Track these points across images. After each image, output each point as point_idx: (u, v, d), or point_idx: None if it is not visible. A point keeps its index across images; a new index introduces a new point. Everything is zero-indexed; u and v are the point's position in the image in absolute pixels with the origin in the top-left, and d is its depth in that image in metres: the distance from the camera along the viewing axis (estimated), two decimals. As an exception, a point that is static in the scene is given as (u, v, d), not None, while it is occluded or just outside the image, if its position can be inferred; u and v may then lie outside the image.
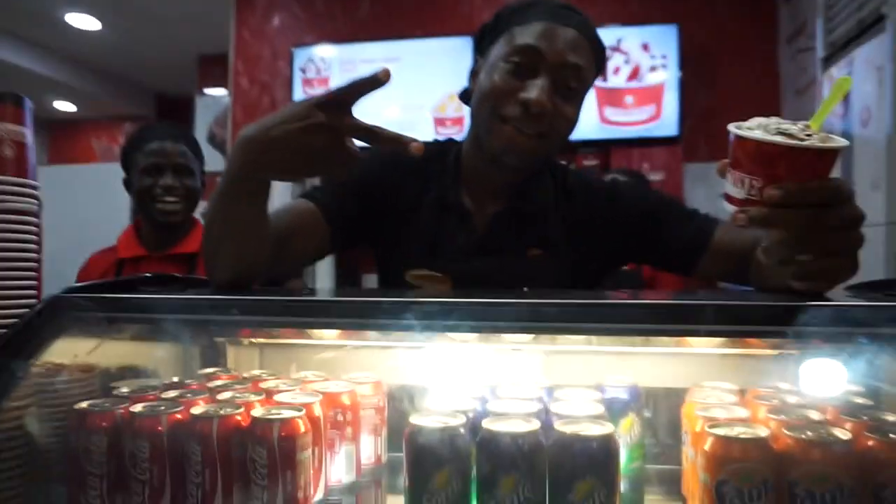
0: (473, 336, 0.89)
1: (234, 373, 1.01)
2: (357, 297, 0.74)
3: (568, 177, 1.14)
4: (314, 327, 0.92)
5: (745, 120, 0.65)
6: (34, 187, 0.78)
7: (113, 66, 6.03)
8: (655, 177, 3.49)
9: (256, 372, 1.01)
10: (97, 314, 0.78)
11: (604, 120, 3.66)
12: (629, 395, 0.86)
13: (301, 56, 4.06)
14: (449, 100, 3.80)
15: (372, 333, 1.01)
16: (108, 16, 4.86)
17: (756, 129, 0.61)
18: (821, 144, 0.57)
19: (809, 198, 0.58)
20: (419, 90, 3.70)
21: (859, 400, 0.78)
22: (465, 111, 3.52)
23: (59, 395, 0.87)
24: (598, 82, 3.62)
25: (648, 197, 1.13)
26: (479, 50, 1.09)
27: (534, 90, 0.95)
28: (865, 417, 0.69)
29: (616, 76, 3.64)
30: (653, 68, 3.60)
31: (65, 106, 6.62)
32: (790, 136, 0.58)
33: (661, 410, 0.99)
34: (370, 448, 0.91)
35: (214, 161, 5.06)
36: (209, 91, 5.42)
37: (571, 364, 0.98)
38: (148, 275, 0.90)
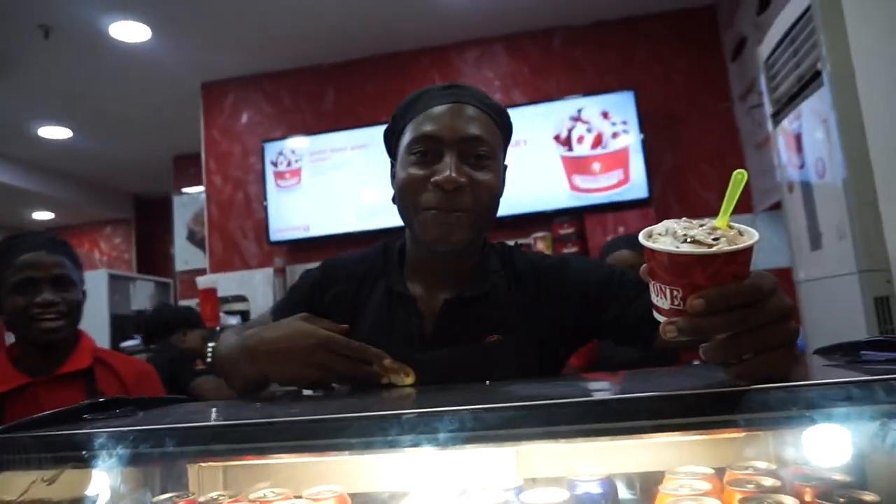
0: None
1: (192, 496, 0.96)
2: (318, 416, 0.71)
3: (516, 258, 1.13)
4: (275, 451, 0.87)
5: (708, 179, 0.63)
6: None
7: (88, 172, 6.09)
8: (631, 239, 3.52)
9: (214, 494, 0.95)
10: (38, 455, 0.74)
11: (574, 188, 3.72)
12: (602, 487, 0.82)
13: (271, 150, 4.13)
14: (420, 180, 3.85)
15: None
16: (80, 125, 4.94)
17: (665, 235, 0.60)
18: (729, 248, 0.56)
19: (732, 302, 0.57)
20: (384, 176, 3.73)
21: (838, 477, 0.74)
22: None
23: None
24: (565, 152, 3.71)
25: (600, 270, 1.09)
26: (390, 153, 1.13)
27: (443, 170, 0.97)
28: (843, 500, 0.65)
29: (580, 145, 3.72)
30: (615, 134, 3.69)
31: (43, 215, 6.64)
32: (698, 242, 0.57)
33: (642, 497, 0.95)
34: (336, 569, 0.85)
35: (195, 258, 5.09)
36: (186, 189, 5.48)
37: (543, 457, 0.94)
38: (100, 399, 0.86)
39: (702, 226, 0.60)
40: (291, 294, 1.18)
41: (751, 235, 0.59)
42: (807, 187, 2.10)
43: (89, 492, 0.93)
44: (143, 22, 3.56)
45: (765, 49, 2.24)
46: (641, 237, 0.61)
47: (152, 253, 6.76)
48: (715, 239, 0.57)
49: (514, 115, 3.97)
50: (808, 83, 1.95)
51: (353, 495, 0.92)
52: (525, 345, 1.06)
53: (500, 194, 1.05)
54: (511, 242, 1.21)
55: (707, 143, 3.77)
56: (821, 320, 2.06)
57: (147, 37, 3.69)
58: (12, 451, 0.73)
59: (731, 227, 0.60)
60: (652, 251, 0.59)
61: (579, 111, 3.74)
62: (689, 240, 0.58)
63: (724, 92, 3.78)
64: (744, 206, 3.65)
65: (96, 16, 3.45)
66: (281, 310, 1.13)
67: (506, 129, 1.09)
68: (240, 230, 4.24)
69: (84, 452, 0.72)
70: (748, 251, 0.57)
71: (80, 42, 3.67)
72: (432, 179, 0.98)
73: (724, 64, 3.80)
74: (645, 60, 3.89)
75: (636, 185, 3.65)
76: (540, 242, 3.61)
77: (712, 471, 0.83)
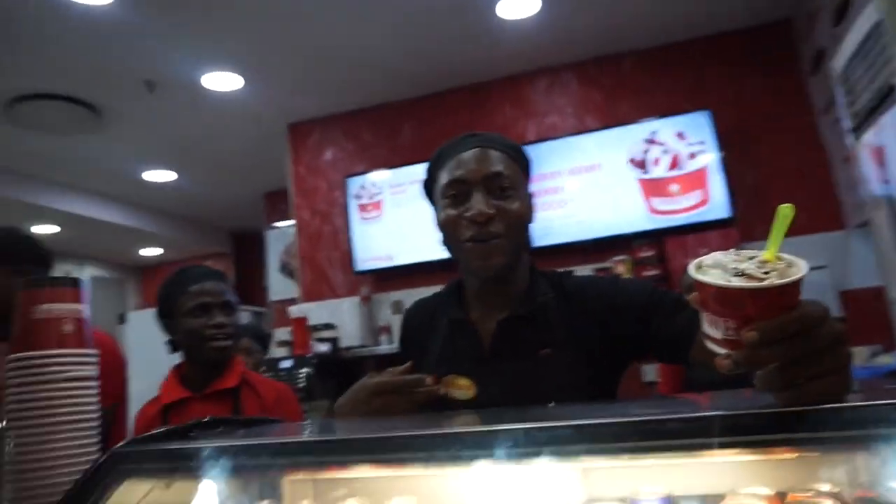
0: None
1: (285, 507, 1.06)
2: (403, 432, 0.79)
3: (565, 281, 1.24)
4: (353, 464, 0.96)
5: (794, 195, 0.63)
6: (91, 356, 0.88)
7: (190, 211, 6.56)
8: (713, 260, 3.44)
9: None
10: (154, 465, 0.86)
11: (652, 210, 3.69)
12: (663, 505, 0.85)
13: (354, 184, 4.33)
14: (496, 208, 3.92)
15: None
16: (181, 168, 5.36)
17: (714, 267, 0.61)
18: (780, 281, 0.57)
19: (785, 333, 0.58)
20: (467, 202, 3.84)
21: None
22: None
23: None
24: (641, 175, 3.70)
25: (644, 287, 1.18)
26: (430, 200, 1.29)
27: (473, 207, 1.13)
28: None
29: (657, 167, 3.69)
30: (692, 154, 3.64)
31: (151, 252, 7.17)
32: (749, 276, 0.58)
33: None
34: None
35: (287, 289, 5.36)
36: (277, 224, 5.80)
37: (608, 477, 0.98)
38: (205, 419, 0.98)
39: (751, 258, 0.61)
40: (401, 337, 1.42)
41: (800, 268, 0.59)
42: (892, 203, 2.02)
43: (196, 499, 1.04)
44: (235, 72, 3.86)
45: (838, 63, 2.19)
46: (691, 269, 0.62)
47: (248, 284, 7.15)
48: (766, 272, 0.58)
49: (588, 140, 4.03)
50: (885, 96, 1.90)
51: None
52: (575, 360, 1.15)
53: (530, 219, 1.20)
54: (588, 267, 1.34)
55: (790, 158, 3.65)
56: (915, 341, 1.96)
57: (239, 85, 4.00)
58: (132, 462, 0.85)
59: (780, 259, 0.61)
60: (702, 284, 0.60)
61: (653, 133, 3.72)
62: (740, 273, 0.59)
63: (805, 107, 3.66)
64: (834, 223, 3.50)
65: (193, 69, 3.77)
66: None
67: (525, 164, 1.24)
68: (327, 261, 4.45)
69: (189, 464, 0.84)
70: (798, 283, 0.58)
71: (180, 93, 4.02)
72: (465, 215, 1.14)
73: (803, 77, 3.69)
74: (718, 79, 3.82)
75: (717, 205, 3.58)
76: (620, 266, 3.60)
77: (773, 492, 0.84)
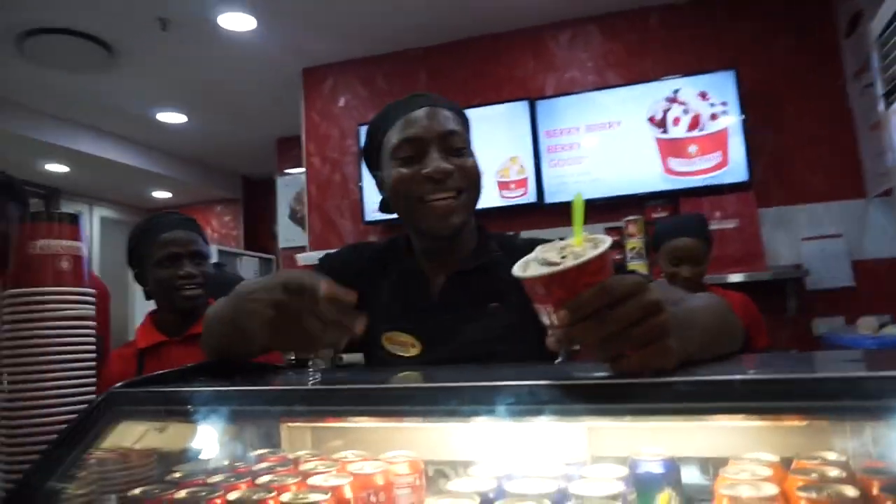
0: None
1: (283, 453, 1.06)
2: (397, 385, 0.78)
3: (513, 241, 1.28)
4: (355, 415, 0.96)
5: (815, 161, 0.63)
6: (89, 294, 0.87)
7: (201, 154, 6.52)
8: (729, 224, 3.39)
9: (302, 452, 1.05)
10: (151, 408, 0.85)
11: (668, 171, 3.61)
12: (665, 468, 0.84)
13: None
14: (511, 163, 3.87)
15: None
16: (193, 110, 5.30)
17: (533, 262, 0.66)
18: (573, 262, 0.61)
19: (588, 307, 0.61)
20: (480, 156, 3.78)
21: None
22: (529, 173, 3.61)
23: (120, 481, 0.93)
24: (659, 134, 3.61)
25: None
26: (371, 166, 1.29)
27: (431, 163, 1.13)
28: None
29: (676, 126, 3.61)
30: (713, 116, 3.54)
31: (162, 194, 7.17)
32: (551, 263, 0.63)
33: (708, 481, 0.95)
34: (408, 526, 0.92)
35: (297, 236, 5.36)
36: (288, 170, 5.76)
37: (614, 437, 0.97)
38: (203, 363, 0.97)
39: (562, 247, 0.66)
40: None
41: (598, 248, 0.63)
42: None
43: (192, 443, 1.05)
44: (249, 13, 3.76)
45: (877, 25, 2.09)
46: (515, 269, 0.66)
47: (258, 230, 7.16)
48: (563, 257, 0.63)
49: (608, 96, 3.93)
50: (923, 61, 1.81)
51: (427, 461, 0.99)
52: (523, 316, 1.12)
53: (481, 176, 1.20)
54: (599, 226, 1.34)
55: (815, 123, 3.54)
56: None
57: (253, 26, 3.90)
58: (129, 403, 0.85)
59: (588, 240, 0.65)
60: (519, 279, 0.65)
61: (675, 92, 3.62)
62: (546, 263, 0.64)
63: (835, 70, 3.54)
64: (854, 191, 3.42)
65: (208, 8, 3.68)
66: None
67: (466, 123, 1.25)
68: (337, 210, 4.43)
69: (187, 407, 0.83)
70: (597, 261, 0.62)
71: (194, 33, 3.94)
72: (423, 172, 1.13)
73: (836, 40, 3.55)
74: (747, 38, 3.69)
75: (735, 168, 3.50)
76: (631, 226, 3.55)
77: (777, 458, 0.83)
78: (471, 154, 1.20)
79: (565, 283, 0.62)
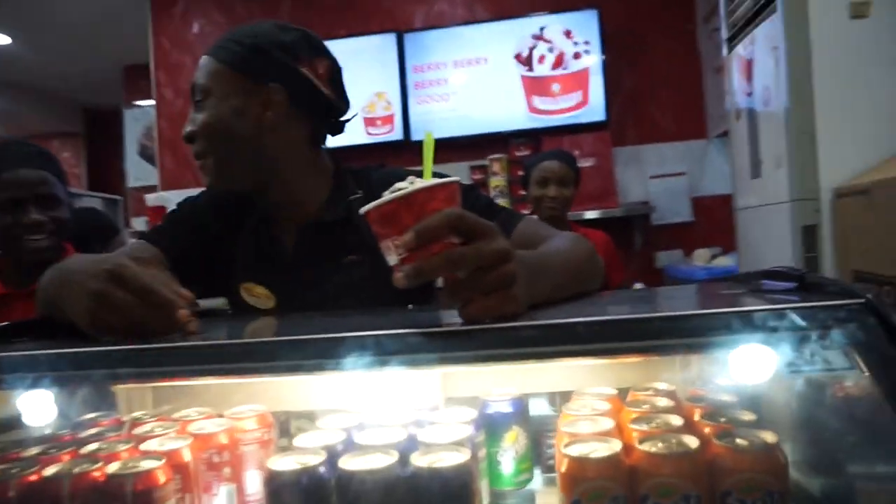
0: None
1: (117, 416, 0.98)
2: (236, 341, 0.72)
3: (373, 178, 1.18)
4: (200, 375, 0.89)
5: (665, 102, 0.63)
6: None
7: (31, 82, 5.79)
8: (586, 163, 3.52)
9: (138, 414, 0.97)
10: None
11: (532, 109, 3.68)
12: (513, 407, 0.85)
13: (223, 63, 3.95)
14: (377, 98, 3.76)
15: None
16: (20, 31, 4.65)
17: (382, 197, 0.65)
18: (421, 184, 0.61)
19: (436, 230, 0.59)
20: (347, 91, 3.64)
21: (728, 398, 0.79)
22: (396, 109, 3.52)
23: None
24: (525, 72, 3.64)
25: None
26: None
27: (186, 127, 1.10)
28: (723, 420, 0.70)
29: (541, 65, 3.65)
30: (576, 55, 3.62)
31: (-14, 126, 6.34)
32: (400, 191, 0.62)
33: (555, 414, 1.00)
34: (258, 483, 0.89)
35: (149, 175, 4.95)
36: (137, 102, 5.26)
37: (467, 379, 0.98)
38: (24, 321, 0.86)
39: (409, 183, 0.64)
40: (171, 221, 1.22)
41: (444, 180, 0.63)
42: (752, 115, 2.11)
43: (11, 409, 0.94)
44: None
45: (723, -31, 2.19)
46: (363, 209, 0.63)
47: (104, 169, 6.55)
48: (412, 184, 0.62)
49: (475, 31, 3.86)
50: (762, 7, 1.92)
51: (276, 413, 0.95)
52: (384, 264, 1.10)
53: (228, 125, 1.07)
54: (464, 164, 1.28)
55: (668, 66, 3.72)
56: (755, 247, 2.13)
57: (83, -66, 3.44)
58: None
59: (437, 178, 0.64)
60: (367, 213, 0.63)
61: (542, 29, 3.64)
62: (393, 192, 0.61)
63: (688, 13, 3.71)
64: (697, 132, 3.67)
65: None
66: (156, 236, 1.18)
67: (241, 61, 1.09)
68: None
69: (3, 375, 0.73)
70: (445, 189, 0.61)
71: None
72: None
73: (692, -17, 3.72)
74: (610, -24, 3.77)
75: (594, 107, 3.62)
76: (496, 164, 3.60)
77: (615, 392, 0.87)
78: (211, 106, 1.08)
79: (412, 210, 0.60)
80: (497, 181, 3.57)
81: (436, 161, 0.67)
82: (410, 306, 1.00)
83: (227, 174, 1.10)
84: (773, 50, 1.89)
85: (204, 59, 1.11)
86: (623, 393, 0.88)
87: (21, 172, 1.51)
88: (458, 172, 3.64)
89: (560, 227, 2.46)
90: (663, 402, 0.80)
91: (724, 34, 2.30)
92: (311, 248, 1.14)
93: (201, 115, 1.08)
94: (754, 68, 2.07)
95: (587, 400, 0.84)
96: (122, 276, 0.71)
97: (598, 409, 0.79)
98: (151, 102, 4.30)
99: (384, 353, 0.64)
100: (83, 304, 0.72)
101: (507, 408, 0.85)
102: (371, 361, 0.65)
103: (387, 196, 0.61)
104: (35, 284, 1.56)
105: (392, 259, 0.64)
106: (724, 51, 2.34)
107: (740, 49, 2.19)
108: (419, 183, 0.62)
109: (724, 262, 2.98)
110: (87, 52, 5.11)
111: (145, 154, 5.13)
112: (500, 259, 0.62)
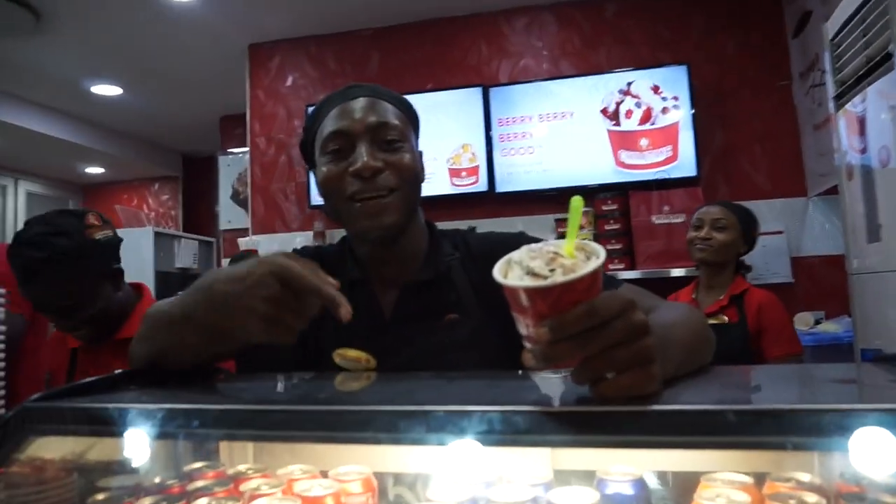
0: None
1: (221, 468, 0.97)
2: (352, 408, 0.70)
3: (470, 240, 1.17)
4: (298, 440, 0.88)
5: (760, 158, 0.58)
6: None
7: (138, 130, 6.20)
8: (677, 219, 3.42)
9: (243, 468, 0.96)
10: (70, 426, 0.75)
11: (619, 164, 3.62)
12: (634, 489, 0.79)
13: (315, 114, 4.11)
14: (462, 150, 3.80)
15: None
16: (129, 83, 5.01)
17: (518, 264, 0.60)
18: (563, 279, 0.56)
19: (572, 328, 0.56)
20: (432, 143, 3.71)
21: (889, 500, 0.70)
22: (480, 161, 3.56)
23: (37, 501, 0.84)
24: (611, 126, 3.61)
25: None
26: (308, 161, 1.17)
27: (358, 160, 1.02)
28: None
29: (628, 119, 3.61)
30: (665, 109, 3.56)
31: (94, 170, 6.80)
32: (535, 274, 0.58)
33: (674, 497, 0.92)
34: (360, 551, 0.85)
35: (239, 218, 5.15)
36: (231, 150, 5.53)
37: (578, 450, 0.92)
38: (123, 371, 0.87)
39: (550, 252, 0.59)
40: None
41: (591, 263, 0.58)
42: (868, 174, 1.99)
43: (122, 457, 0.95)
44: (191, -19, 3.56)
45: (831, 26, 2.11)
46: (495, 270, 0.60)
47: (198, 211, 6.88)
48: (552, 270, 0.57)
49: (562, 86, 3.88)
50: (877, 65, 1.83)
51: (379, 474, 0.92)
52: (482, 324, 1.08)
53: (420, 176, 1.10)
54: (549, 217, 1.24)
55: (761, 122, 3.60)
56: (873, 315, 1.97)
57: (195, -4, 3.69)
58: (47, 420, 0.74)
59: (581, 249, 0.60)
60: (499, 284, 0.59)
61: (629, 84, 3.62)
62: (530, 272, 0.58)
63: (782, 69, 3.60)
64: (796, 190, 3.51)
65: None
66: None
67: (411, 115, 1.14)
68: (282, 193, 4.27)
69: (113, 427, 0.73)
70: (587, 278, 0.57)
71: None
72: (350, 170, 1.02)
73: (784, 40, 3.61)
74: (699, 34, 3.72)
75: (685, 162, 3.53)
76: (582, 218, 3.54)
77: (750, 480, 0.80)
78: (409, 149, 1.07)
79: (549, 298, 0.56)
80: (583, 235, 3.52)
81: (520, 213, 0.64)
82: (520, 371, 0.96)
83: (406, 212, 1.07)
84: (890, 108, 1.78)
85: (382, 104, 1.08)
86: (757, 479, 0.80)
87: (38, 296, 1.52)
88: (543, 225, 3.63)
89: (715, 273, 2.37)
90: (812, 498, 0.72)
91: (831, 91, 2.20)
92: (411, 309, 1.11)
93: (394, 155, 1.05)
94: (868, 126, 1.96)
95: (721, 489, 0.77)
96: (289, 277, 0.74)
97: (737, 500, 0.72)
98: (245, 150, 4.50)
99: (513, 431, 0.60)
100: (258, 312, 0.74)
101: (627, 489, 0.79)
102: (498, 439, 0.61)
103: (525, 280, 0.57)
104: (118, 335, 1.59)
105: (521, 330, 0.61)
106: (832, 108, 2.23)
107: (850, 106, 2.09)
108: (557, 266, 0.58)
109: (831, 327, 2.78)
110: (189, 103, 5.44)
111: (237, 198, 5.34)
112: (638, 334, 0.58)
